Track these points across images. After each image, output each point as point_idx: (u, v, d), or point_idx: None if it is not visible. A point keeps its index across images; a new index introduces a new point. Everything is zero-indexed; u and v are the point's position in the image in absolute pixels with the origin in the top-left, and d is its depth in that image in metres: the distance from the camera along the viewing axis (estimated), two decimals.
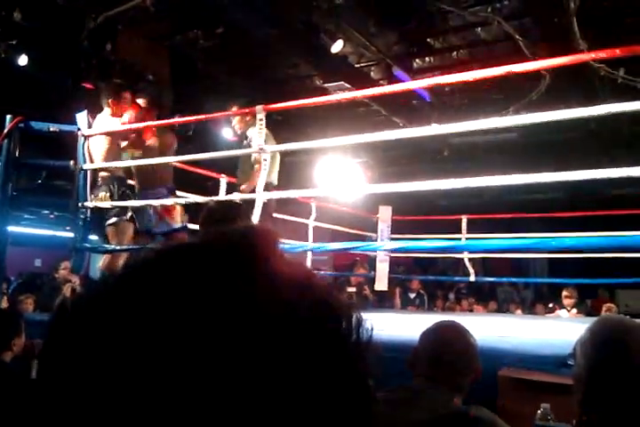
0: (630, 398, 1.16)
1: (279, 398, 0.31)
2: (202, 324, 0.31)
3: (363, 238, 6.38)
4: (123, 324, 0.32)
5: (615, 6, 5.14)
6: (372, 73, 6.64)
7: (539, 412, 1.66)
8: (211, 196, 4.29)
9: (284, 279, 0.35)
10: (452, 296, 8.78)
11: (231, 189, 4.74)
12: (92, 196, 4.03)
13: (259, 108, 3.44)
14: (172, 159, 4.29)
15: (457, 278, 7.96)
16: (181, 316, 0.32)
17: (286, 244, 4.78)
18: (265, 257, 0.36)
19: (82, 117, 4.07)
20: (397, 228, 6.66)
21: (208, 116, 3.96)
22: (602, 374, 1.20)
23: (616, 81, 5.38)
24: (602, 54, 2.87)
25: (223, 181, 5.19)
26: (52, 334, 0.35)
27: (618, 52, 2.65)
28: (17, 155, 3.81)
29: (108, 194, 3.99)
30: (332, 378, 0.33)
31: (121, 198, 4.02)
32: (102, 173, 4.11)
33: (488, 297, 8.33)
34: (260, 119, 3.40)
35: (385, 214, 6.59)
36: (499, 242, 3.66)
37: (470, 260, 6.03)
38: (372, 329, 0.37)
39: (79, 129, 4.05)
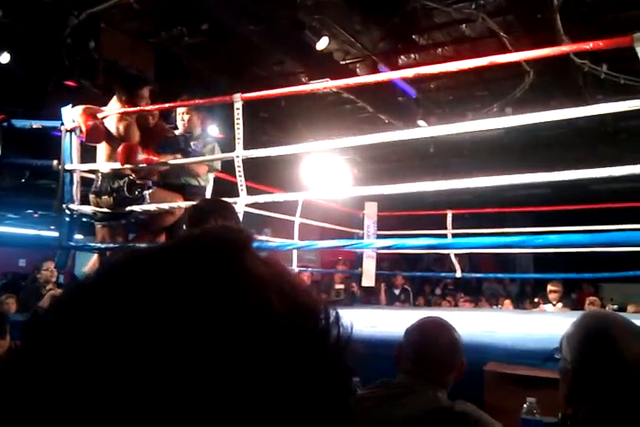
0: (617, 392, 1.17)
1: (255, 396, 0.31)
2: (176, 324, 0.31)
3: (350, 235, 6.39)
4: (96, 325, 0.32)
5: (598, 2, 5.18)
6: (357, 70, 6.64)
7: (525, 406, 1.68)
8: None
9: (260, 278, 0.35)
10: (438, 292, 8.85)
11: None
12: (94, 196, 3.82)
13: (236, 96, 3.41)
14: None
15: (443, 274, 7.99)
16: (157, 316, 0.32)
17: (275, 242, 4.78)
18: (240, 256, 0.36)
19: (67, 112, 3.97)
20: (383, 224, 6.67)
21: (183, 103, 3.88)
22: (588, 368, 1.21)
23: (599, 77, 5.43)
24: (585, 46, 2.87)
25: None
26: (25, 338, 0.35)
27: (601, 44, 2.67)
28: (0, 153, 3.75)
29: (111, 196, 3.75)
30: (309, 376, 0.33)
31: (134, 200, 3.76)
32: (105, 172, 3.86)
33: (475, 292, 8.39)
34: (237, 108, 3.38)
35: (371, 211, 6.60)
36: (485, 240, 3.69)
37: (456, 255, 6.07)
38: (351, 327, 0.36)
39: (62, 124, 3.97)
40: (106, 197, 3.76)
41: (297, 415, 0.32)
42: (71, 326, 0.33)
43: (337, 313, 0.37)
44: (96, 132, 3.78)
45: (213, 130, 7.44)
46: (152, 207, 3.62)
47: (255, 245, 0.39)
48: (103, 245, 3.76)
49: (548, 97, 6.05)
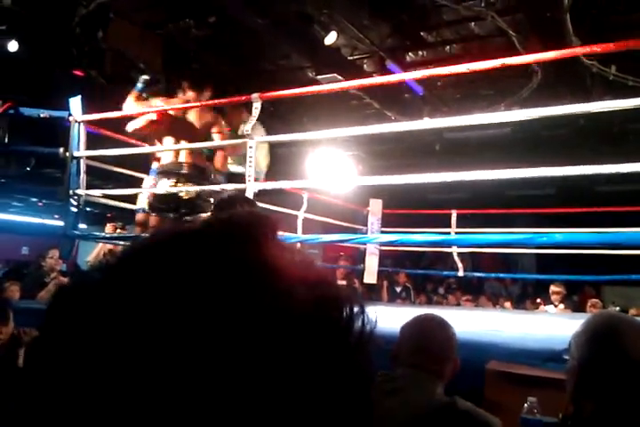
0: (622, 389, 1.18)
1: (275, 391, 0.30)
2: (195, 314, 0.31)
3: (353, 231, 6.38)
4: (115, 315, 0.31)
5: (608, 3, 5.15)
6: (364, 66, 6.62)
7: (525, 405, 1.68)
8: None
9: (283, 267, 0.34)
10: (441, 291, 8.84)
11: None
12: (174, 181, 3.79)
13: (255, 96, 3.42)
14: (151, 149, 4.25)
15: (445, 273, 7.99)
16: (174, 306, 0.31)
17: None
18: (264, 242, 0.35)
19: (76, 103, 3.99)
20: (387, 221, 6.67)
21: (203, 103, 3.90)
22: (594, 365, 1.22)
23: (608, 78, 5.41)
24: (596, 48, 2.87)
25: None
26: (46, 323, 0.34)
27: (612, 46, 2.66)
28: (6, 141, 3.76)
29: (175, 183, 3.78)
30: (331, 366, 0.32)
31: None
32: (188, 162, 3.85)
33: (476, 291, 8.39)
34: (256, 107, 3.39)
35: (375, 208, 6.60)
36: (489, 237, 3.69)
37: (459, 254, 6.06)
38: (375, 320, 0.36)
39: (70, 115, 3.98)
40: (191, 184, 3.77)
41: (318, 406, 0.31)
42: (91, 314, 0.32)
43: (362, 305, 0.36)
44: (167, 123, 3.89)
45: None
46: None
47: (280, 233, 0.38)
48: (108, 235, 3.78)
49: (555, 97, 6.01)
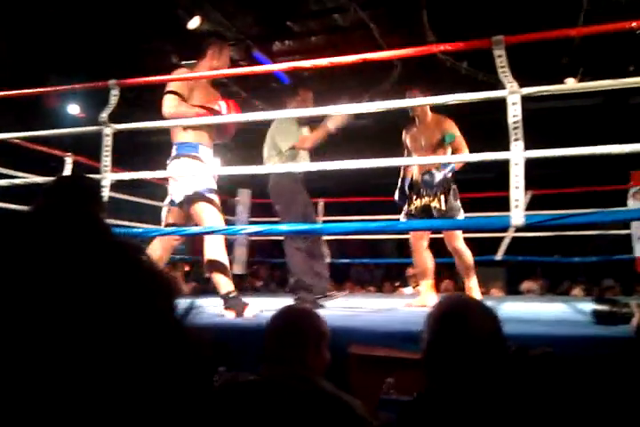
0: (464, 368, 1.26)
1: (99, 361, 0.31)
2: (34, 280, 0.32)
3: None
4: None
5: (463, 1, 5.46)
6: (230, 53, 6.50)
7: (383, 386, 1.75)
8: (54, 175, 3.95)
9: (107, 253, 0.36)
10: None
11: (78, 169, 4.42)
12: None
13: (112, 82, 3.21)
14: (12, 136, 3.88)
15: None
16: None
17: (139, 228, 4.58)
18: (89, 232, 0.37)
19: None
20: (256, 211, 6.64)
21: (49, 89, 3.61)
22: (440, 345, 1.31)
23: (460, 72, 5.77)
24: (448, 47, 3.04)
25: (69, 160, 4.83)
26: None
27: (462, 45, 2.84)
28: None
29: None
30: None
31: None
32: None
33: (342, 278, 8.64)
34: (114, 95, 3.19)
35: (244, 197, 6.54)
36: (353, 224, 3.80)
37: (326, 242, 6.20)
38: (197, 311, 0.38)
39: None
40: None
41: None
42: None
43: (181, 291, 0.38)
44: None
45: (74, 109, 6.98)
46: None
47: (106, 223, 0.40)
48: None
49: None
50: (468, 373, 1.25)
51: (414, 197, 3.91)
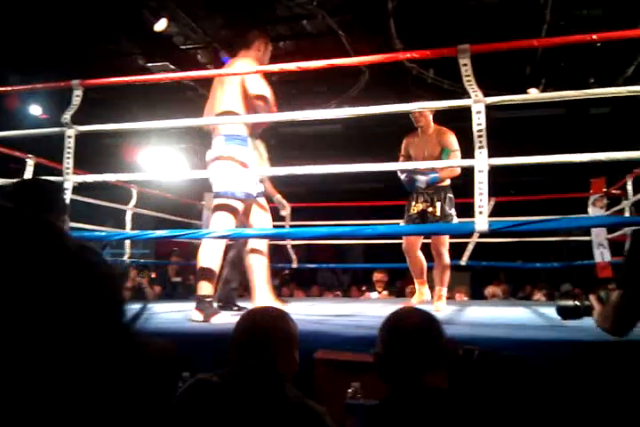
0: (408, 374, 1.37)
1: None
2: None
3: (188, 226, 6.21)
4: None
5: (429, 11, 5.54)
6: (198, 56, 6.46)
7: (349, 391, 1.75)
8: (13, 178, 3.85)
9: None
10: (276, 282, 8.96)
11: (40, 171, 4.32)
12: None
13: (75, 82, 3.14)
14: None
15: (280, 265, 8.12)
16: None
17: (103, 231, 4.49)
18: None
19: None
20: None
21: (8, 88, 3.52)
22: (385, 353, 1.43)
23: (426, 80, 5.84)
24: (415, 55, 3.08)
25: (30, 162, 4.71)
26: None
27: (428, 53, 2.87)
28: None
29: None
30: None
31: None
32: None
33: (308, 283, 8.63)
34: (77, 95, 3.12)
35: (210, 202, 6.48)
36: (320, 229, 3.79)
37: (293, 247, 6.19)
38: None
39: None
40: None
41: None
42: None
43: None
44: None
45: (36, 109, 6.82)
46: None
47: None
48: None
49: (381, 96, 6.37)
50: (420, 379, 1.34)
51: (414, 203, 4.08)
